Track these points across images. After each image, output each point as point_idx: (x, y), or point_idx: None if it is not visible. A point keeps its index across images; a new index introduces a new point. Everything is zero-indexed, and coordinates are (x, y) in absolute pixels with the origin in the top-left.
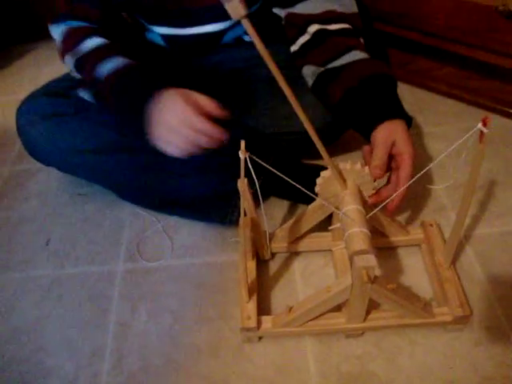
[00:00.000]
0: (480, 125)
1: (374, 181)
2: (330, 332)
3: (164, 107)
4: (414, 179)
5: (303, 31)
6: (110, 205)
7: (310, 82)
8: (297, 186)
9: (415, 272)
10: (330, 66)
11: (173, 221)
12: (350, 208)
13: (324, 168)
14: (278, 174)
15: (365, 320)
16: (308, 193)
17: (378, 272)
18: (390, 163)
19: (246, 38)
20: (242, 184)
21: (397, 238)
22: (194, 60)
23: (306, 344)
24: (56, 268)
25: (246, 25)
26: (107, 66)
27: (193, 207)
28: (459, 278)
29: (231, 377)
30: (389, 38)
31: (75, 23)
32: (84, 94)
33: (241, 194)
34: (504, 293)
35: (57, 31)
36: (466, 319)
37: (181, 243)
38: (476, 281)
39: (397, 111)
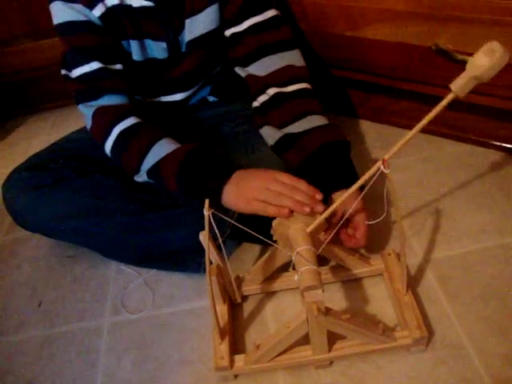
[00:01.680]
0: (382, 167)
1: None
2: (300, 364)
3: (245, 178)
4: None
5: (262, 92)
6: (96, 264)
7: (270, 142)
8: (246, 229)
9: (380, 300)
10: (288, 130)
11: (153, 274)
12: (302, 248)
13: None
14: (237, 224)
15: (330, 350)
16: (261, 237)
17: (323, 305)
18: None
19: (210, 99)
20: (205, 238)
21: (360, 269)
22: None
23: (278, 378)
24: (47, 328)
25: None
26: (158, 153)
27: (171, 259)
28: (418, 302)
29: None
30: (345, 81)
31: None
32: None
33: (204, 246)
34: (463, 311)
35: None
36: (424, 340)
37: (161, 294)
38: (437, 302)
39: (350, 179)
